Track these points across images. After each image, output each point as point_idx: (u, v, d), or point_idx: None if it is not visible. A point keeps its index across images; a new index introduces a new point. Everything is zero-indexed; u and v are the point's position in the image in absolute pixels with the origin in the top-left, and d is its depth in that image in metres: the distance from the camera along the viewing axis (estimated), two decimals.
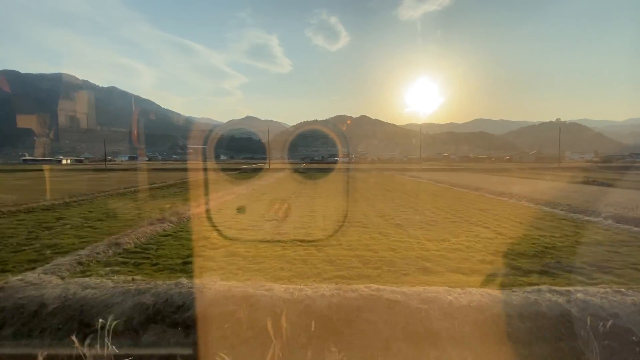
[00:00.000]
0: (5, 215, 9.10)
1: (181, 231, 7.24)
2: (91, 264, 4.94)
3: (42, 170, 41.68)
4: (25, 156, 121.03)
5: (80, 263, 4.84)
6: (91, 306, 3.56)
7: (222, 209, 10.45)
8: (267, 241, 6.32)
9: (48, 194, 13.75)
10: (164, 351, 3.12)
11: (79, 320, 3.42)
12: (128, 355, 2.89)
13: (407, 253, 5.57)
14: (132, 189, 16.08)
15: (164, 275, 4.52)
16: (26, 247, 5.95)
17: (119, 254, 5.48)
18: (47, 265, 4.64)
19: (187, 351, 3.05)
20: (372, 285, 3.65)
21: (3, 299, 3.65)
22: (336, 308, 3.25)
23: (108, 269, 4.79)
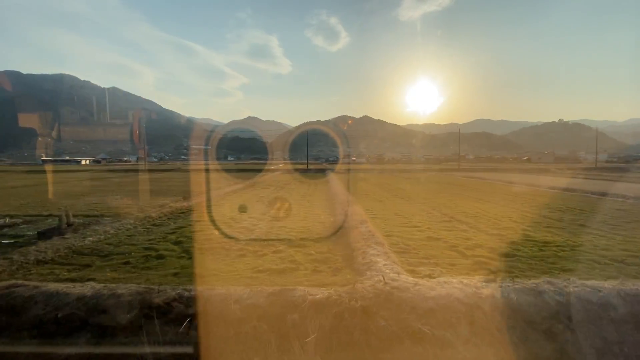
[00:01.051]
0: (169, 219, 9.19)
1: (400, 232, 7.38)
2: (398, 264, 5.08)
3: (85, 171, 41.69)
4: (42, 157, 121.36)
5: (393, 262, 4.99)
6: (479, 305, 3.64)
7: (384, 210, 10.54)
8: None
9: (158, 195, 13.84)
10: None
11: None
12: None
13: None
14: (233, 188, 16.15)
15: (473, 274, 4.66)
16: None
17: (395, 253, 5.64)
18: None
19: None
20: None
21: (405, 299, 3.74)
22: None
23: (410, 268, 4.95)
